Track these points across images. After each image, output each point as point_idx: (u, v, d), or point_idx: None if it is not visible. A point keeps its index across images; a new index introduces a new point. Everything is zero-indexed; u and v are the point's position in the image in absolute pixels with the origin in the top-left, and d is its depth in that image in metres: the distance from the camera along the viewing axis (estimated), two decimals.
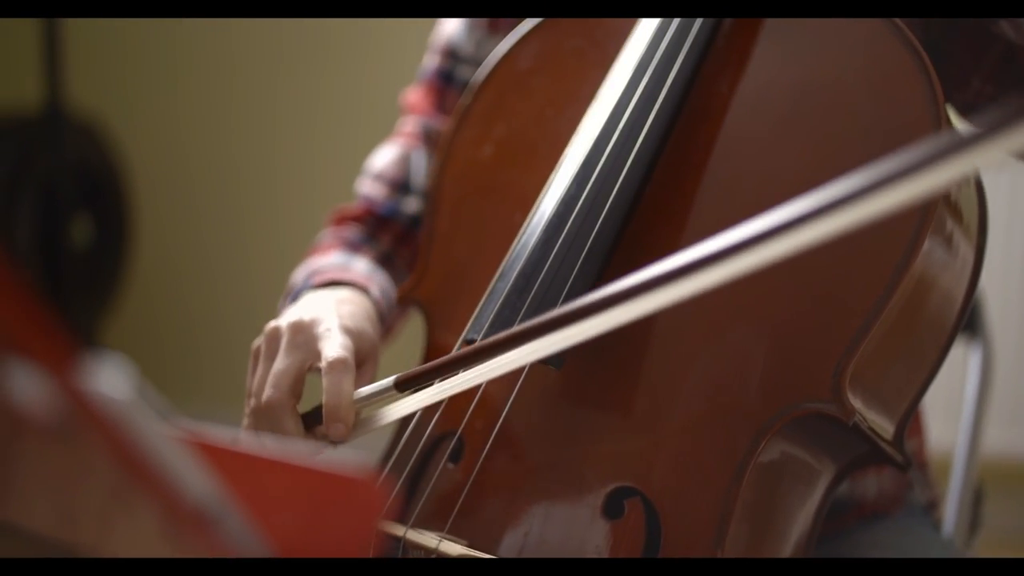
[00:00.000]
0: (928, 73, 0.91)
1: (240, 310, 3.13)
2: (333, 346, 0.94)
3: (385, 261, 1.25)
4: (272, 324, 0.99)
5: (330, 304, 1.03)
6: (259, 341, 0.99)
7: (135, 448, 0.36)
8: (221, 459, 0.42)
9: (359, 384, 0.94)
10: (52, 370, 0.35)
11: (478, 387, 0.97)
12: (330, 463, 0.44)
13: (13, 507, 0.47)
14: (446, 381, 0.87)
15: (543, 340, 0.79)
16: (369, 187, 1.29)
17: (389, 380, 0.91)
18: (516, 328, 0.81)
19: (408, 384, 0.89)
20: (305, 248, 1.31)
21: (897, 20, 0.93)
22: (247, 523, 0.41)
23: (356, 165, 1.43)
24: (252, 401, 0.96)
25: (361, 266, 1.20)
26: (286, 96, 3.28)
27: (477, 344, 0.85)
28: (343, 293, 1.09)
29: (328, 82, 3.23)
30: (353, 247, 1.25)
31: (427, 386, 0.89)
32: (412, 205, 1.27)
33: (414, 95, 1.32)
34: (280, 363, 0.95)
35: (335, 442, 0.93)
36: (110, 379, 0.37)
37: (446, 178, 1.11)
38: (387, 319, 1.17)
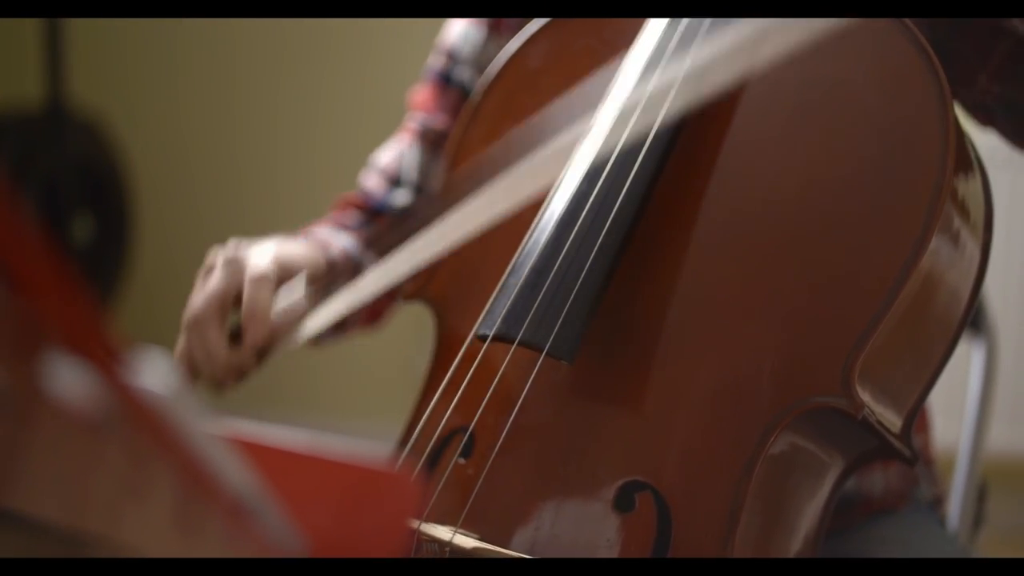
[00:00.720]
0: (936, 72, 0.92)
1: None
2: (257, 263, 1.05)
3: (374, 243, 1.30)
4: (216, 251, 1.09)
5: (273, 241, 1.14)
6: (204, 266, 1.10)
7: (181, 442, 0.37)
8: (257, 453, 0.43)
9: None
10: (99, 364, 0.35)
11: (488, 386, 0.97)
12: (365, 458, 0.44)
13: (20, 495, 0.48)
14: (353, 289, 0.97)
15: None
16: (370, 181, 1.35)
17: (300, 290, 1.03)
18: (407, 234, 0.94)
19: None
20: None
21: (906, 20, 0.94)
22: (284, 516, 0.42)
23: (357, 164, 1.45)
24: (185, 315, 1.06)
25: (342, 239, 1.28)
26: (288, 94, 3.28)
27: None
28: (294, 240, 1.18)
29: (330, 81, 3.24)
30: (345, 228, 1.32)
31: (335, 293, 0.99)
32: (400, 197, 1.32)
33: (420, 93, 1.35)
34: (212, 282, 1.06)
35: (259, 355, 1.04)
36: (153, 374, 0.37)
37: (456, 176, 1.12)
38: (346, 272, 1.26)
